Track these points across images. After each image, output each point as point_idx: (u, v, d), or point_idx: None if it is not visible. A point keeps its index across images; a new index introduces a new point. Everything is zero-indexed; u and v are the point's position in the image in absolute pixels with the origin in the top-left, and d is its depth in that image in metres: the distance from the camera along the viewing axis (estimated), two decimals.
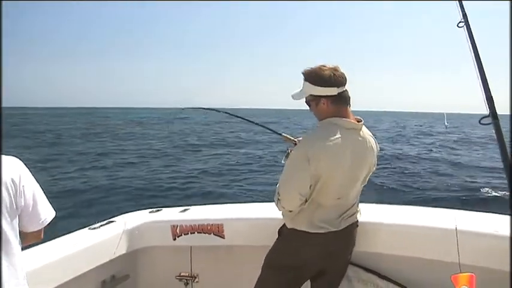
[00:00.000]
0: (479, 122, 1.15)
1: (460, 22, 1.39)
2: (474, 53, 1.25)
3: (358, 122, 1.66)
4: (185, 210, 2.41)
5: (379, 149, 1.76)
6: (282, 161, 1.84)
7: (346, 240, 1.77)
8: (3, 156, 1.20)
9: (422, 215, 2.01)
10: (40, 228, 1.33)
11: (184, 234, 2.22)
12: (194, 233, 2.21)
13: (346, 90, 1.63)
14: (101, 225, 2.19)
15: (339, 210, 1.69)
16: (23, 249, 1.30)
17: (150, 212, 2.43)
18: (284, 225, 1.78)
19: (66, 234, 2.06)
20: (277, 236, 1.84)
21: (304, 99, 1.72)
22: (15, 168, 1.23)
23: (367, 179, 1.77)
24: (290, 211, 1.66)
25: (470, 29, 1.32)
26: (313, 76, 1.61)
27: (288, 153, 1.89)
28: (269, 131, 2.20)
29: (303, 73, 1.64)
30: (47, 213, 1.33)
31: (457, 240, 1.70)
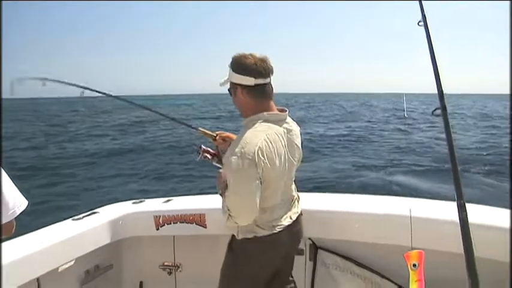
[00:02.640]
0: (432, 113, 1.26)
1: (419, 21, 1.49)
2: (430, 52, 1.36)
3: (282, 112, 1.64)
4: (168, 200, 2.47)
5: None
6: (196, 159, 1.74)
7: (297, 233, 1.75)
8: None
9: (380, 203, 2.15)
10: (9, 220, 1.19)
11: (167, 224, 2.28)
12: (177, 222, 2.26)
13: (268, 83, 1.58)
14: (84, 216, 2.24)
15: (284, 204, 1.68)
16: (2, 240, 1.23)
17: (133, 203, 2.49)
18: (233, 237, 1.67)
19: (50, 225, 2.10)
20: None
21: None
22: None
23: (298, 165, 1.74)
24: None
25: (428, 29, 1.43)
26: (234, 62, 1.56)
27: (199, 151, 1.75)
28: (183, 126, 2.08)
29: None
30: (17, 203, 1.21)
31: (410, 225, 1.86)
